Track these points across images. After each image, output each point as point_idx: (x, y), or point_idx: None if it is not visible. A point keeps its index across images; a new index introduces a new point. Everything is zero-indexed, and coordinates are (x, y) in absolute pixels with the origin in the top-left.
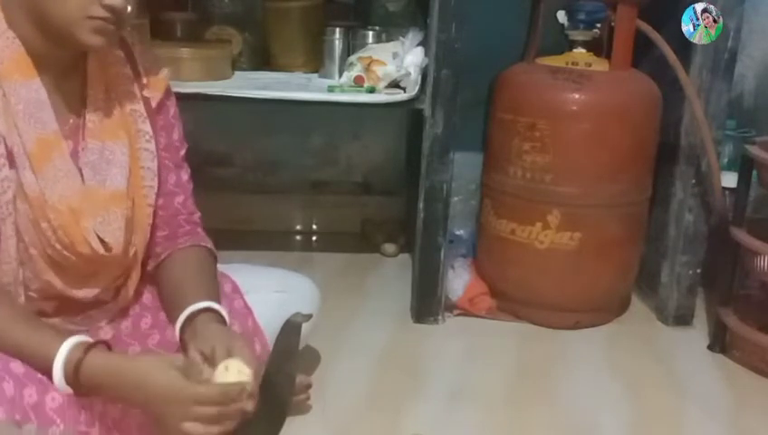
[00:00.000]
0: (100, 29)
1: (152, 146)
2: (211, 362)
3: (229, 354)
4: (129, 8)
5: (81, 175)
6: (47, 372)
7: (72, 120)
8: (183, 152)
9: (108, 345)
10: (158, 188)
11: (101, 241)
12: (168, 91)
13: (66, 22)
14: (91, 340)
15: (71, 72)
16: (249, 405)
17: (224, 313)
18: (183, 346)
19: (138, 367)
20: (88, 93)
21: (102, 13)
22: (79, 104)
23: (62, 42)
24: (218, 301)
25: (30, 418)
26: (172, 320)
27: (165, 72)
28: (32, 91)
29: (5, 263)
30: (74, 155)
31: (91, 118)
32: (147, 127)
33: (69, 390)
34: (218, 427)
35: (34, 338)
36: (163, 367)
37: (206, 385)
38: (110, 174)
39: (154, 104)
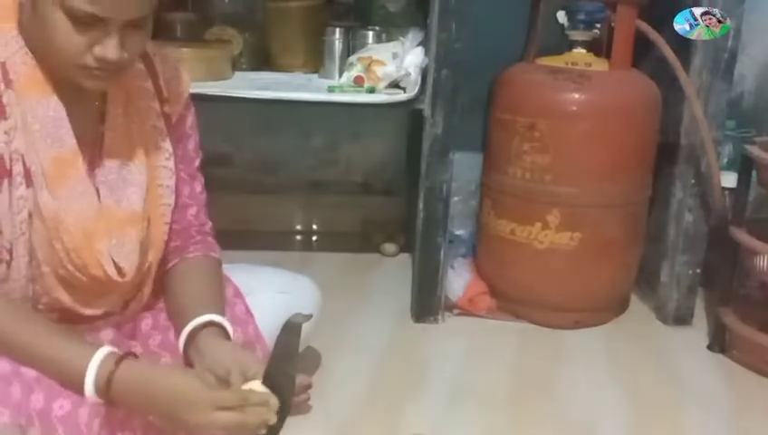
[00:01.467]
0: (95, 76)
1: (171, 163)
2: (226, 386)
3: (245, 377)
4: (128, 57)
5: (98, 193)
6: (77, 385)
7: (91, 138)
8: (198, 162)
9: (135, 355)
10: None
11: (115, 265)
12: (187, 103)
13: (64, 67)
14: (119, 351)
15: (89, 90)
16: (272, 418)
17: (227, 325)
18: (188, 364)
19: (166, 376)
20: (107, 109)
21: (95, 64)
22: (97, 120)
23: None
24: (222, 311)
25: (34, 423)
26: (177, 333)
27: (186, 82)
28: (49, 110)
29: (14, 280)
30: (91, 173)
31: (110, 135)
32: (167, 144)
33: (100, 401)
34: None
35: (63, 350)
36: (189, 375)
37: (232, 392)
38: (126, 194)
39: (174, 119)
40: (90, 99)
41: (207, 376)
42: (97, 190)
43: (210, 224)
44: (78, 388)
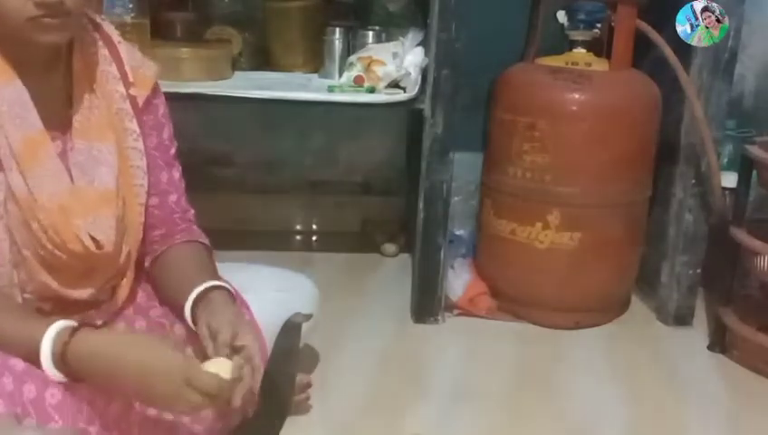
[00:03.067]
0: (46, 26)
1: (140, 144)
2: (213, 338)
3: (233, 339)
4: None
5: (71, 175)
6: (35, 359)
7: (58, 121)
8: (173, 151)
9: (94, 327)
10: (152, 187)
11: (93, 239)
12: (155, 90)
13: (11, 27)
14: (76, 324)
15: (52, 72)
16: (237, 401)
17: (233, 290)
18: (194, 320)
19: (132, 343)
20: (73, 93)
21: (39, 11)
22: (65, 104)
23: (26, 44)
24: (224, 281)
25: (29, 412)
26: (179, 302)
27: (153, 71)
28: (14, 93)
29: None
30: (63, 156)
31: (78, 118)
32: (134, 126)
33: (60, 375)
34: (202, 410)
35: (21, 327)
36: (158, 343)
37: (205, 372)
38: (98, 174)
39: (141, 102)
40: (54, 81)
41: (202, 329)
42: (69, 172)
43: (193, 211)
44: (39, 365)
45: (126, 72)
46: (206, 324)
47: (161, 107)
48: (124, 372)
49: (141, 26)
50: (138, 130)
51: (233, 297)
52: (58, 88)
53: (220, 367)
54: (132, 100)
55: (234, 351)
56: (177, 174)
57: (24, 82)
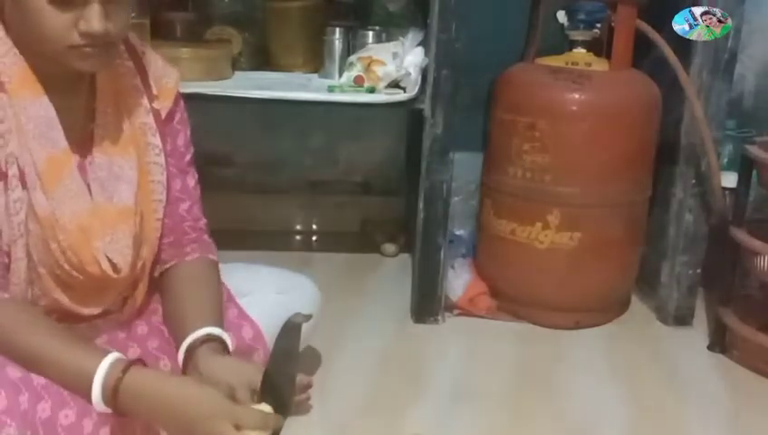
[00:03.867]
0: (86, 55)
1: (161, 159)
2: (233, 398)
3: (252, 390)
4: (114, 29)
5: (90, 191)
6: (84, 391)
7: (80, 134)
8: (188, 157)
9: (143, 362)
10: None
11: (110, 262)
12: (176, 99)
13: (52, 52)
14: (126, 357)
15: (78, 86)
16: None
17: (226, 338)
18: (185, 372)
19: (178, 384)
20: (97, 107)
21: (83, 40)
22: (86, 117)
23: (59, 65)
24: (221, 322)
25: (39, 434)
26: (175, 339)
27: (174, 79)
28: (41, 110)
29: (14, 284)
30: (82, 169)
31: (99, 132)
32: (156, 140)
33: (107, 410)
34: None
35: (72, 357)
36: (204, 385)
37: (251, 410)
38: (117, 190)
39: (164, 115)
40: (79, 96)
41: (224, 388)
42: (88, 187)
43: (205, 221)
44: (85, 394)
45: (150, 84)
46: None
47: (179, 113)
48: (167, 412)
49: (141, 26)
50: (160, 145)
51: (222, 343)
52: (82, 101)
53: (262, 407)
54: (155, 113)
55: (254, 394)
56: (191, 181)
57: (51, 98)
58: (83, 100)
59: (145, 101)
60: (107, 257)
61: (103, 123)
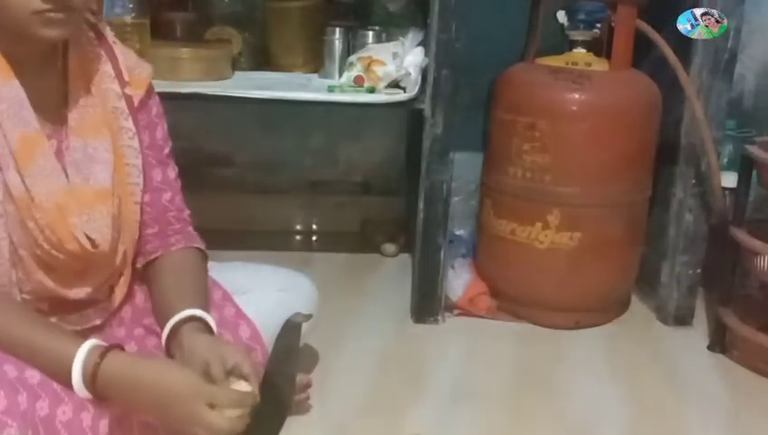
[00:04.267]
0: (49, 21)
1: (135, 143)
2: (206, 374)
3: (225, 368)
4: None
5: (66, 174)
6: (63, 377)
7: (54, 119)
8: (167, 150)
9: (121, 347)
10: (145, 185)
11: (89, 238)
12: (150, 90)
13: (15, 22)
14: (104, 343)
15: (48, 71)
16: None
17: (209, 319)
18: (169, 355)
19: (154, 366)
20: (69, 91)
21: (45, 5)
22: (60, 103)
23: (25, 39)
24: (206, 307)
25: (39, 432)
26: (160, 326)
27: (147, 71)
28: (11, 91)
29: None
30: (59, 154)
31: (73, 116)
32: (129, 124)
33: (89, 394)
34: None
35: (51, 344)
36: (179, 366)
37: (227, 389)
38: (93, 171)
39: (136, 102)
40: (50, 80)
41: (199, 369)
42: (65, 170)
43: (188, 212)
44: (66, 381)
45: (121, 70)
46: (189, 365)
47: (155, 107)
48: (144, 395)
49: (141, 26)
50: (133, 129)
51: (205, 325)
52: (54, 86)
53: (238, 386)
54: (128, 99)
55: (230, 374)
56: (172, 173)
57: (21, 81)
58: (55, 84)
59: (116, 86)
60: (85, 234)
61: (76, 107)
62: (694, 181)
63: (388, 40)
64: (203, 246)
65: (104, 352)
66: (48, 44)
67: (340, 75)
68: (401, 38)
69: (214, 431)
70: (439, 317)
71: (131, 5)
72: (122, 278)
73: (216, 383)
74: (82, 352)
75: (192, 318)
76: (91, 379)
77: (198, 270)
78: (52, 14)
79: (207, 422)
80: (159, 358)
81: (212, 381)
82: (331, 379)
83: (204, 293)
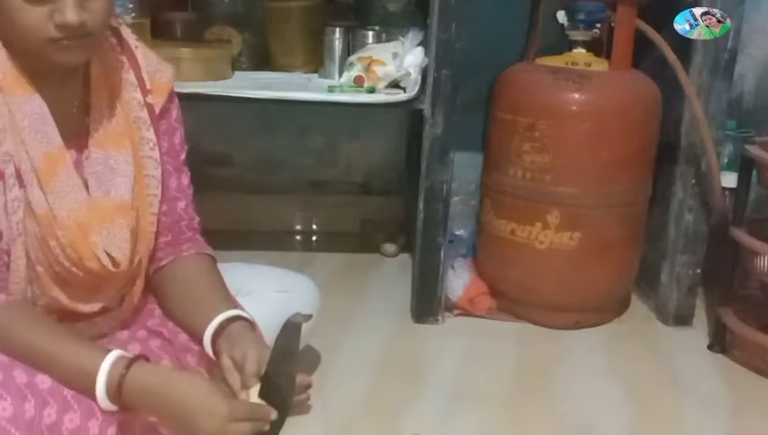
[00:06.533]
0: (67, 48)
1: (156, 154)
2: (240, 370)
3: (260, 367)
4: (90, 19)
5: (86, 186)
6: (89, 389)
7: (75, 129)
8: (183, 156)
9: (146, 358)
10: (162, 194)
11: (109, 256)
12: (171, 95)
13: (33, 48)
14: (129, 354)
15: (70, 81)
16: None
17: (251, 319)
18: (215, 352)
19: (182, 379)
20: (91, 101)
21: (60, 33)
22: (81, 112)
23: (46, 62)
24: (241, 308)
25: None
26: (193, 326)
27: (169, 75)
28: (35, 107)
29: (14, 283)
30: (78, 164)
31: (95, 126)
32: (150, 135)
33: (113, 407)
34: None
35: (74, 354)
36: (203, 383)
37: (241, 403)
38: (114, 184)
39: (158, 110)
40: (72, 92)
41: (226, 362)
42: (85, 182)
43: (198, 219)
44: (89, 392)
45: (143, 78)
46: (230, 356)
47: (175, 111)
48: (170, 409)
49: (141, 26)
50: (154, 139)
51: (252, 325)
52: (75, 95)
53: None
54: (149, 108)
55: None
56: (185, 180)
57: (43, 94)
58: (77, 95)
59: (139, 95)
60: (105, 252)
61: (98, 117)
62: (694, 181)
63: (388, 40)
64: (213, 253)
65: (130, 363)
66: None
67: (340, 75)
68: (401, 38)
69: None
70: (439, 317)
71: (131, 5)
72: (135, 288)
73: (244, 378)
74: (107, 364)
75: (239, 318)
76: (117, 391)
77: (217, 274)
78: (67, 42)
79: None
80: (187, 373)
81: (241, 374)
82: (331, 379)
83: (231, 295)
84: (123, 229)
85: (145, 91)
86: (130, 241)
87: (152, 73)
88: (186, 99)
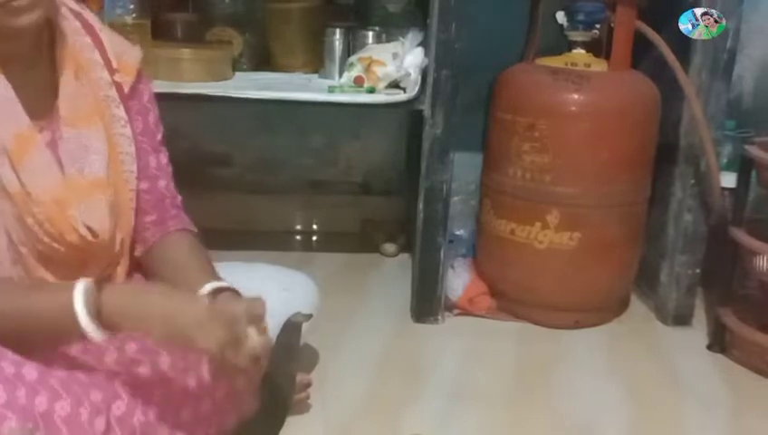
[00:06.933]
0: (16, 10)
1: (128, 131)
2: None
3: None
4: None
5: (61, 165)
6: (70, 324)
7: (45, 111)
8: (160, 136)
9: (107, 281)
10: (141, 172)
11: (88, 229)
12: (140, 75)
13: None
14: (94, 279)
15: (36, 64)
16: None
17: (238, 290)
18: None
19: (154, 285)
20: (59, 82)
21: None
22: (51, 94)
23: (4, 36)
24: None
25: (39, 426)
26: None
27: (136, 56)
28: (0, 89)
29: None
30: (53, 145)
31: (64, 106)
32: (121, 112)
33: (99, 332)
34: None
35: (48, 298)
36: (185, 292)
37: (225, 304)
38: (88, 161)
39: (126, 89)
40: (39, 73)
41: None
42: (59, 162)
43: (180, 197)
44: (74, 326)
45: (109, 58)
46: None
47: (146, 93)
48: (151, 311)
49: (142, 27)
50: (125, 117)
51: (238, 294)
52: (43, 78)
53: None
54: (118, 86)
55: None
56: (164, 159)
57: (9, 77)
58: (44, 75)
59: (106, 74)
60: (85, 225)
61: (66, 97)
62: (693, 181)
63: (388, 40)
64: (195, 229)
65: (99, 286)
66: (29, 37)
67: (341, 76)
68: (401, 38)
69: (218, 337)
70: (439, 317)
71: (132, 6)
72: (120, 268)
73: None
74: (79, 293)
75: (225, 289)
76: (97, 313)
77: (202, 249)
78: (16, 3)
79: (218, 335)
80: (156, 282)
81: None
82: (330, 379)
83: (214, 268)
84: (102, 204)
85: (112, 71)
86: (110, 217)
87: (119, 54)
88: (186, 99)
